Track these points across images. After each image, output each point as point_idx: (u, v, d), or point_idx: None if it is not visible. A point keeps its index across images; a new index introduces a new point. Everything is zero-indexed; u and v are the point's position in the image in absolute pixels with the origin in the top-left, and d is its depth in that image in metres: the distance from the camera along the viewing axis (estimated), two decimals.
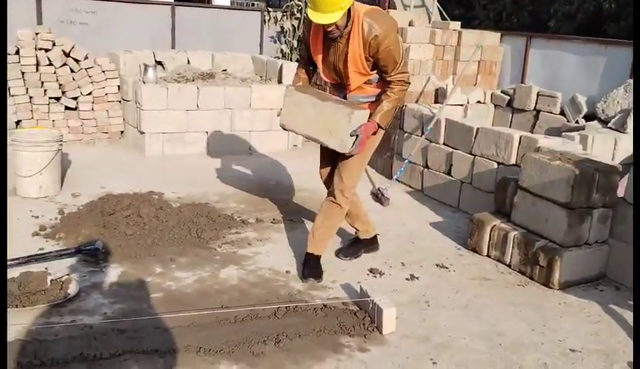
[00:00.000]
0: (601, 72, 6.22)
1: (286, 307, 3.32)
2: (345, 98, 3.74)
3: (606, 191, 4.00)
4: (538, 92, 6.49)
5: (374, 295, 3.28)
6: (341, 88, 3.78)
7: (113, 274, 3.68)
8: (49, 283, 3.38)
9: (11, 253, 3.66)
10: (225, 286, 3.63)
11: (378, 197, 5.54)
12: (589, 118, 6.03)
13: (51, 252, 3.84)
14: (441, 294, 3.75)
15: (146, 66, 6.62)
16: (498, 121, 6.76)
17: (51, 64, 6.57)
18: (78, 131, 6.79)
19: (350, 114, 3.49)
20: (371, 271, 3.98)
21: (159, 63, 7.55)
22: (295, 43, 9.12)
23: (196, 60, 7.84)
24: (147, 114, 6.45)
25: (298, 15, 9.13)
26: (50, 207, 4.71)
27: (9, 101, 6.37)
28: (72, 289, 3.36)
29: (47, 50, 6.55)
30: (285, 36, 9.42)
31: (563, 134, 5.52)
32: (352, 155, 3.65)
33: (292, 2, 9.28)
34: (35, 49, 6.50)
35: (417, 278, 3.94)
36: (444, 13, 8.15)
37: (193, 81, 7.05)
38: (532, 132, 6.06)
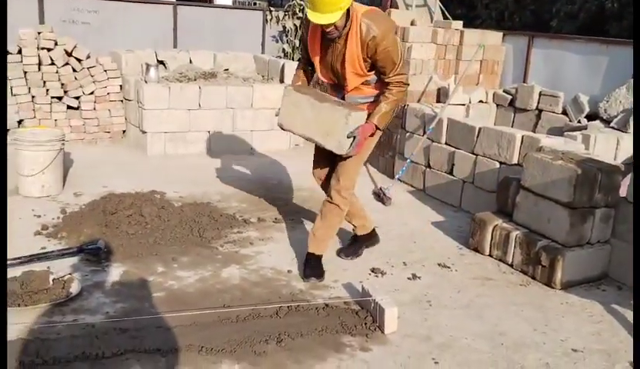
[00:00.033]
0: (603, 72, 6.21)
1: (288, 307, 3.33)
2: (343, 98, 3.72)
3: (608, 190, 3.99)
4: (541, 92, 6.48)
5: (375, 295, 3.28)
6: (339, 88, 3.76)
7: (115, 273, 3.68)
8: (51, 282, 3.38)
9: (14, 252, 3.67)
10: (227, 285, 3.64)
11: (380, 196, 5.54)
12: (591, 117, 6.02)
13: (53, 251, 3.84)
14: (443, 293, 3.75)
15: (148, 65, 6.62)
16: (500, 121, 6.75)
17: (53, 64, 6.58)
18: (80, 130, 6.80)
19: (347, 116, 3.47)
20: (372, 271, 3.98)
21: (161, 62, 7.56)
22: (297, 42, 9.12)
23: (198, 59, 7.85)
24: (149, 114, 6.46)
25: (300, 15, 9.13)
26: (52, 206, 4.72)
27: (12, 100, 6.38)
28: (74, 288, 3.36)
29: (49, 49, 6.56)
30: (286, 35, 9.43)
31: (565, 133, 5.51)
32: (350, 156, 3.64)
33: (294, 2, 9.29)
34: (38, 48, 6.51)
35: (419, 278, 3.94)
36: (446, 12, 8.14)
37: (195, 80, 7.05)
38: (534, 132, 6.04)
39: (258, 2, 12.85)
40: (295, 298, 3.51)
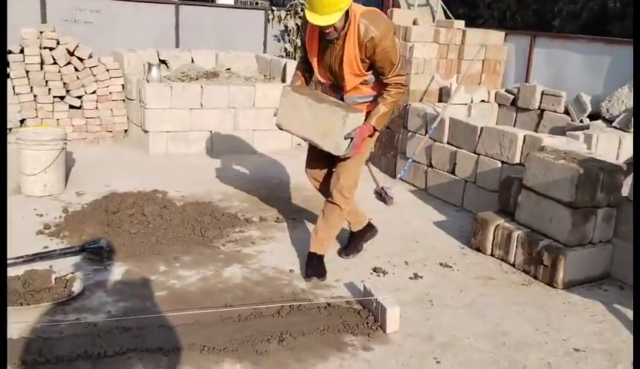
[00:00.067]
0: (605, 71, 6.20)
1: (290, 306, 3.33)
2: (341, 98, 3.70)
3: (610, 190, 3.99)
4: (543, 91, 6.47)
5: (377, 294, 3.28)
6: (337, 88, 3.74)
7: (117, 272, 3.68)
8: (54, 281, 3.39)
9: (16, 251, 3.67)
10: (229, 284, 3.64)
11: (382, 196, 5.54)
12: (594, 117, 6.01)
13: (55, 250, 3.85)
14: (445, 293, 3.75)
15: (150, 65, 6.63)
16: (502, 120, 6.75)
17: (55, 63, 6.58)
18: (82, 129, 6.80)
19: (344, 117, 3.46)
20: (374, 270, 3.98)
21: (163, 62, 7.56)
22: (299, 42, 9.12)
23: (200, 59, 7.85)
24: (151, 113, 6.46)
25: (302, 14, 9.12)
26: (54, 205, 4.72)
27: (14, 99, 6.39)
28: (76, 287, 3.37)
29: (51, 49, 6.57)
30: (288, 35, 9.42)
31: (567, 133, 5.50)
32: (348, 157, 3.63)
33: (296, 1, 9.29)
34: (40, 48, 6.52)
35: (420, 277, 3.94)
36: (448, 12, 8.13)
37: (197, 79, 7.06)
38: (536, 131, 6.04)
39: (260, 2, 12.85)
40: (297, 297, 3.52)
